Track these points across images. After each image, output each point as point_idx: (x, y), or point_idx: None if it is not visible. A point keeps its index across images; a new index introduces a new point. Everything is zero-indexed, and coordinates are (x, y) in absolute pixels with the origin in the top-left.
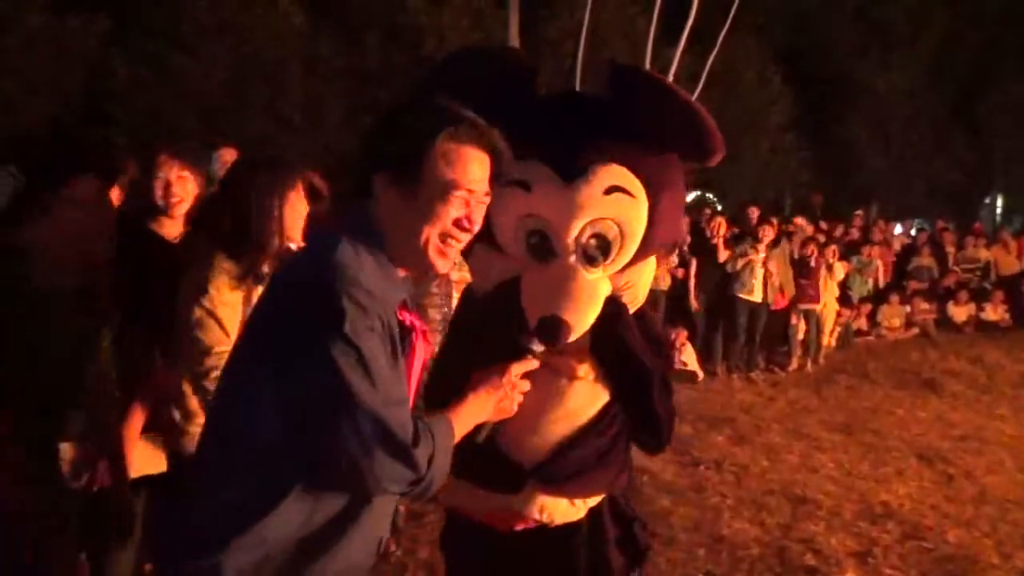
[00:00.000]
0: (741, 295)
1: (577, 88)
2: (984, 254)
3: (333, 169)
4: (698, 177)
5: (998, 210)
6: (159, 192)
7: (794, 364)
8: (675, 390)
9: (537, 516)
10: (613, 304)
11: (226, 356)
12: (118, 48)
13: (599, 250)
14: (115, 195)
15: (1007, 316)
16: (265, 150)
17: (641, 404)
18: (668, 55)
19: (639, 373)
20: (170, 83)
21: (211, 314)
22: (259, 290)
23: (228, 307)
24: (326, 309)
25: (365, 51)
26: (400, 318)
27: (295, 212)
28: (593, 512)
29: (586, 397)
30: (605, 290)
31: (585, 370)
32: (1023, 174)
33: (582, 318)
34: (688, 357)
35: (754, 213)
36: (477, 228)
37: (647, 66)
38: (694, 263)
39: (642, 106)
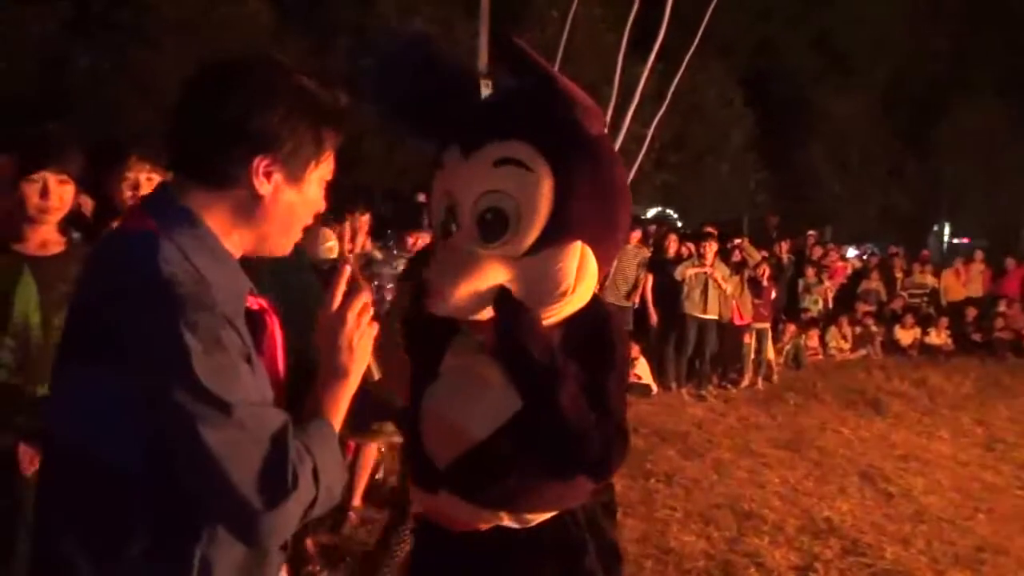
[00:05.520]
0: (690, 312)
1: None
2: (930, 280)
3: None
4: (659, 195)
5: (945, 237)
6: (128, 193)
7: (746, 381)
8: (629, 403)
9: (467, 520)
10: (509, 298)
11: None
12: (79, 39)
13: (495, 223)
14: (70, 190)
15: (950, 341)
16: None
17: (544, 415)
18: (637, 72)
19: (543, 379)
20: (131, 76)
21: None
22: None
23: None
24: (163, 348)
25: (333, 54)
26: (249, 306)
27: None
28: (543, 539)
29: (499, 401)
30: (494, 269)
31: (497, 373)
32: (970, 202)
33: (449, 284)
34: (642, 370)
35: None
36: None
37: (616, 82)
38: (650, 278)
39: (524, 77)
